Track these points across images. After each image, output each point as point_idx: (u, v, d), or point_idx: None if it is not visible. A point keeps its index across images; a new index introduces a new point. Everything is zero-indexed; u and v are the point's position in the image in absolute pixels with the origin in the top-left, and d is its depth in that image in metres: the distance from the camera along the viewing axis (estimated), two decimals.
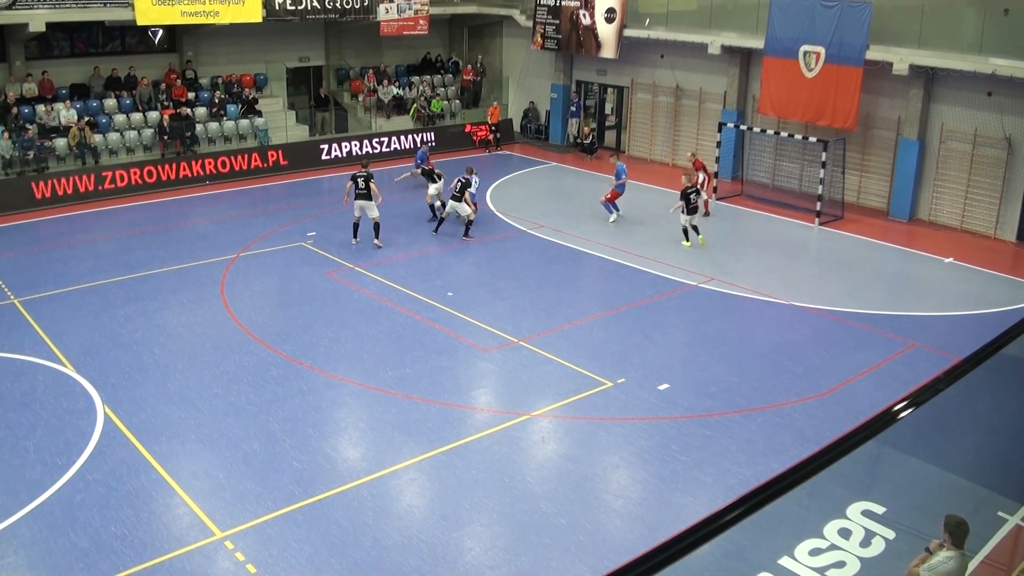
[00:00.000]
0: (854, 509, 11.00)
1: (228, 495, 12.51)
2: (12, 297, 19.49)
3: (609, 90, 35.18)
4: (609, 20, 31.49)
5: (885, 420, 4.82)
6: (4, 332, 17.71)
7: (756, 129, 28.30)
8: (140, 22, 28.46)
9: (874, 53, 24.99)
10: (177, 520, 11.94)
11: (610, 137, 35.50)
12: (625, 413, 14.78)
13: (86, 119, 28.89)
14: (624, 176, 25.16)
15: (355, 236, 23.03)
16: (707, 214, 25.73)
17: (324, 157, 31.96)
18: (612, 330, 18.06)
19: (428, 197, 25.20)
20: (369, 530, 11.75)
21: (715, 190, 27.47)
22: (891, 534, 10.72)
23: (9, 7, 26.71)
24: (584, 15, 32.13)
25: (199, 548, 11.36)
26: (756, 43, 27.87)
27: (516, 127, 37.00)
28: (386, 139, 33.31)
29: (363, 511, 12.14)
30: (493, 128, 34.66)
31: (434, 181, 25.25)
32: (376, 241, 22.70)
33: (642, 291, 20.07)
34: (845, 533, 10.79)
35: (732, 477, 12.93)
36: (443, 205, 24.60)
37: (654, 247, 22.92)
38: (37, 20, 27.26)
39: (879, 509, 10.99)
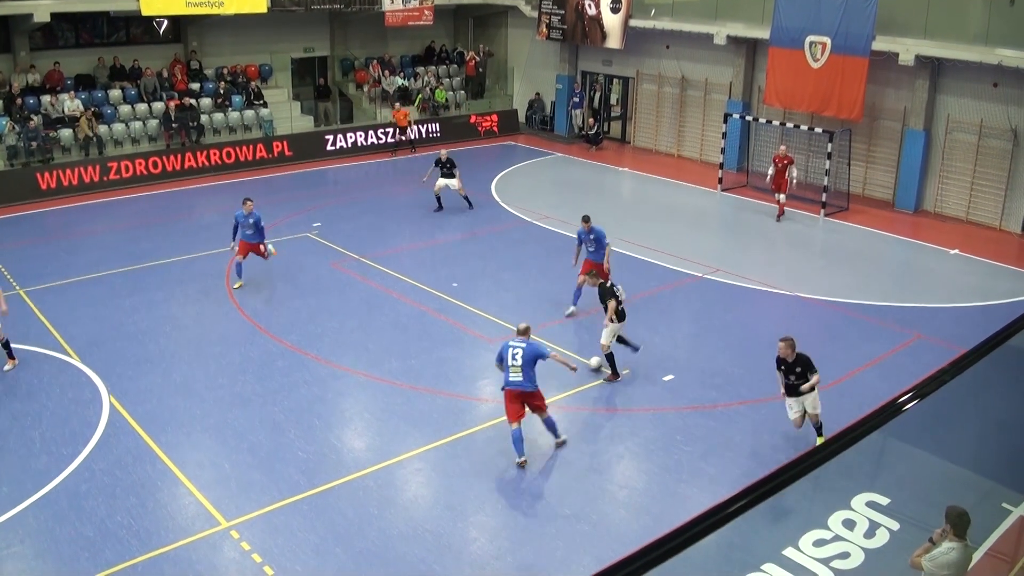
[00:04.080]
0: (859, 500, 11.01)
1: (234, 485, 12.55)
2: (17, 288, 19.52)
3: (614, 81, 35.08)
4: (615, 10, 31.41)
5: (890, 411, 4.81)
6: (10, 322, 17.66)
7: (762, 120, 28.25)
8: (145, 12, 28.45)
9: (880, 44, 24.90)
10: (183, 510, 11.98)
11: (616, 128, 35.44)
12: (630, 404, 14.80)
13: (91, 110, 28.89)
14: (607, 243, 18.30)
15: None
16: (782, 214, 25.10)
17: (329, 148, 31.96)
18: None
19: (437, 188, 25.04)
20: (374, 520, 11.78)
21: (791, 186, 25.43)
22: (895, 525, 10.73)
23: None
24: (590, 5, 32.08)
25: (205, 538, 11.40)
26: (762, 33, 27.79)
27: (521, 118, 36.94)
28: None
29: (368, 501, 12.17)
30: (403, 130, 33.17)
31: (451, 176, 25.00)
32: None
33: (647, 282, 20.05)
34: (849, 524, 10.79)
35: (737, 468, 12.94)
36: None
37: (659, 238, 22.88)
38: (42, 10, 27.25)
39: (883, 500, 10.99)
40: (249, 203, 19.49)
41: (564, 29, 33.25)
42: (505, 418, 13.08)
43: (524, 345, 12.88)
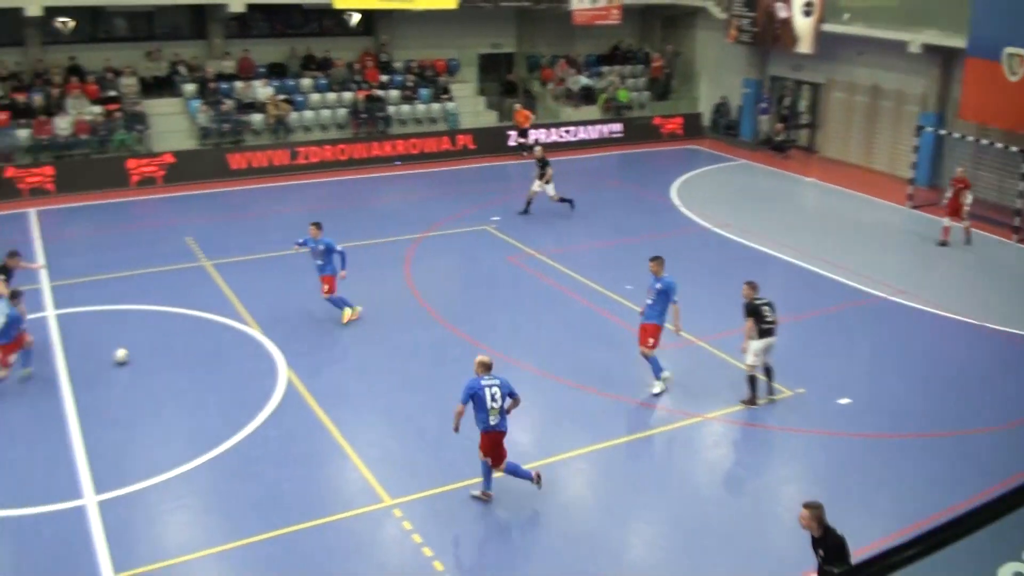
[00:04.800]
0: None
1: (400, 465, 12.72)
2: (203, 259, 20.42)
3: (803, 87, 34.02)
4: (807, 13, 30.44)
5: None
6: (195, 292, 18.56)
7: (955, 135, 26.85)
8: (338, 5, 29.30)
9: None
10: (349, 484, 12.21)
11: (803, 136, 34.28)
12: (802, 425, 14.18)
13: (282, 97, 29.98)
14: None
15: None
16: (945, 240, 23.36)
17: (511, 143, 32.15)
18: (793, 337, 17.27)
19: (531, 192, 24.47)
20: (535, 515, 11.71)
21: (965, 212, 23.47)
22: None
23: None
24: (781, 7, 31.13)
25: (368, 512, 11.59)
26: (959, 42, 26.29)
27: (706, 121, 36.29)
28: (573, 128, 33.25)
29: (529, 496, 12.05)
30: (522, 132, 31.97)
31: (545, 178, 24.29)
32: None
33: (827, 299, 19.29)
34: None
35: (908, 505, 12.08)
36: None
37: (841, 254, 21.95)
38: (237, 1, 28.45)
39: None
40: (315, 228, 17.36)
41: (754, 32, 32.42)
42: (673, 427, 12.77)
43: (499, 382, 11.68)
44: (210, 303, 17.97)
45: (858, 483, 12.68)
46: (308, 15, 32.90)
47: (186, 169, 27.40)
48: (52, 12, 27.59)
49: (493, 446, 11.60)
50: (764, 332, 14.48)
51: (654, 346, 14.70)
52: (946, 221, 22.97)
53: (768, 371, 14.77)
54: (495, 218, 23.96)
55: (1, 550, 10.98)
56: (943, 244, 22.89)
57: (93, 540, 11.03)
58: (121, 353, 15.48)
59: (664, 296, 14.61)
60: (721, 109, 35.87)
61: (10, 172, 25.61)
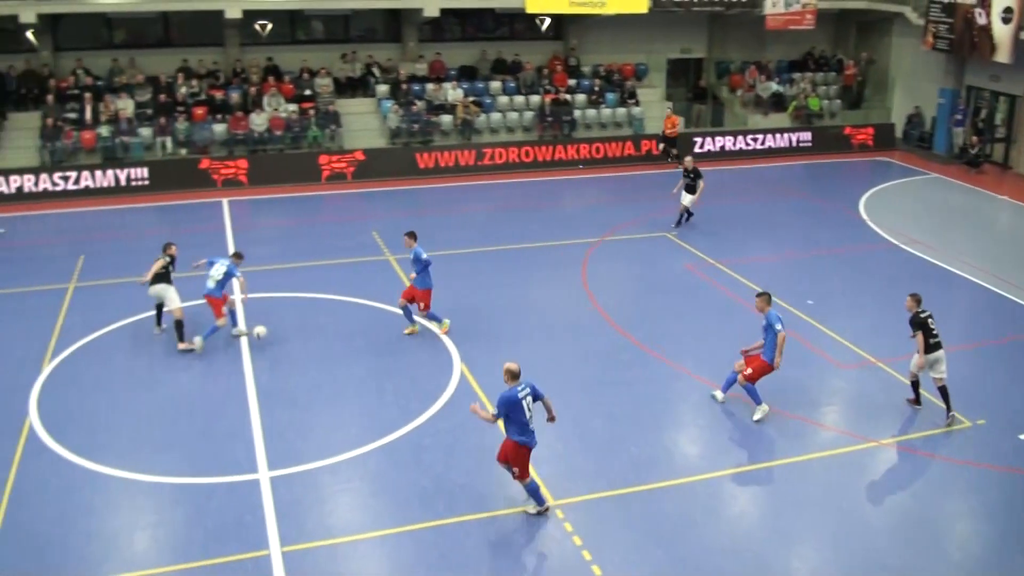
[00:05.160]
0: None
1: (564, 467, 12.75)
2: (388, 254, 21.07)
3: (1000, 98, 32.19)
4: (1006, 20, 28.77)
5: None
6: (379, 285, 19.13)
7: None
8: (529, 10, 29.66)
9: None
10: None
11: (996, 151, 32.38)
12: (980, 458, 13.35)
13: (471, 99, 30.55)
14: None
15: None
16: None
17: (697, 150, 31.71)
18: (976, 365, 16.37)
19: (683, 207, 23.75)
20: (697, 528, 11.52)
21: None
22: None
23: None
24: (980, 14, 29.56)
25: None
26: None
27: (898, 132, 34.86)
28: (760, 136, 32.59)
29: (694, 508, 11.92)
30: (664, 139, 31.08)
31: (692, 191, 23.53)
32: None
33: (1014, 325, 18.16)
34: None
35: None
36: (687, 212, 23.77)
37: None
38: (432, 5, 29.21)
39: None
40: (408, 238, 17.05)
41: (951, 39, 30.89)
42: (845, 450, 12.26)
43: (529, 389, 11.36)
44: (393, 296, 18.44)
45: None
46: (500, 19, 33.46)
47: (375, 166, 28.32)
48: (251, 15, 29.01)
49: (524, 459, 11.41)
50: (933, 347, 14.04)
51: (750, 378, 14.11)
52: None
53: (944, 393, 14.20)
54: (675, 226, 23.69)
55: (179, 515, 11.62)
56: None
57: (264, 513, 11.56)
58: (260, 329, 16.20)
59: (770, 332, 13.95)
60: (914, 120, 34.34)
61: (205, 164, 27.10)
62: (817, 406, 14.88)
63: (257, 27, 30.66)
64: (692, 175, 23.37)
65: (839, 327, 17.67)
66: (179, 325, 16.18)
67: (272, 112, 28.55)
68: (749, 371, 14.01)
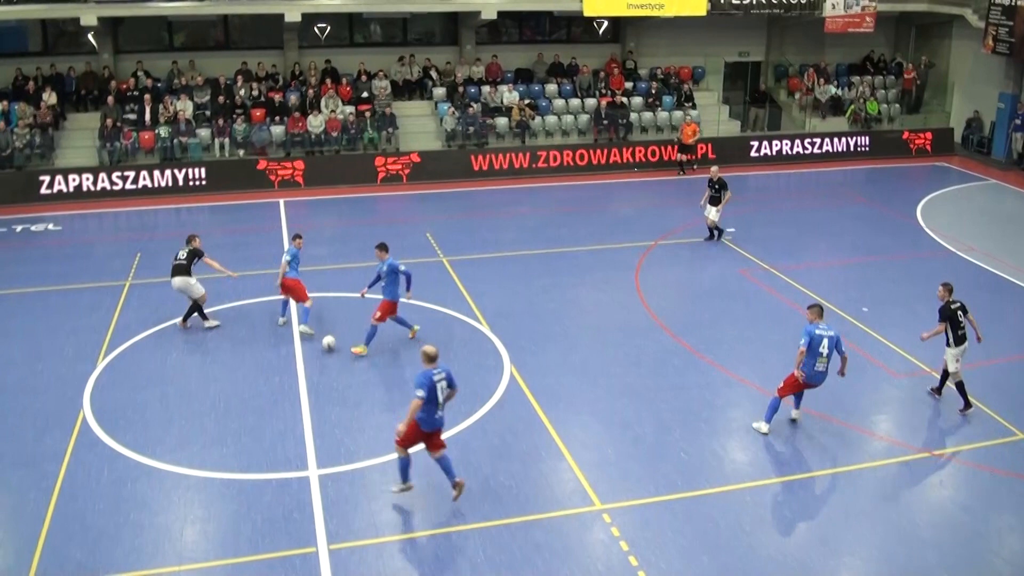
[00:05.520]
0: None
1: (613, 471, 12.70)
2: (441, 256, 21.19)
3: None
4: None
5: None
6: (432, 286, 19.20)
7: None
8: (587, 13, 29.62)
9: None
10: (562, 484, 12.30)
11: None
12: None
13: (527, 101, 30.57)
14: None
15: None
16: None
17: (753, 154, 31.50)
18: None
19: (709, 218, 22.96)
20: (745, 536, 11.41)
21: None
22: None
23: None
24: None
25: (578, 514, 11.66)
26: None
27: (957, 137, 34.25)
28: (818, 140, 32.22)
29: (742, 516, 11.80)
30: (683, 148, 30.19)
31: (716, 203, 22.70)
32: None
33: None
34: None
35: None
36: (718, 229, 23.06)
37: None
38: (489, 8, 29.38)
39: None
40: (379, 250, 16.36)
41: (1012, 43, 30.28)
42: (897, 460, 12.03)
43: (444, 373, 11.49)
44: (445, 297, 18.59)
45: None
46: (557, 22, 33.47)
47: (431, 168, 28.48)
48: (310, 18, 29.31)
49: (413, 436, 11.57)
50: (960, 339, 14.15)
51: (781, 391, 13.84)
52: None
53: (961, 386, 14.29)
54: (730, 229, 23.45)
55: (230, 511, 11.76)
56: None
57: (313, 510, 11.66)
58: (328, 340, 16.27)
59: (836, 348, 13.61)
60: (973, 125, 33.73)
61: (262, 165, 27.41)
62: (869, 415, 14.66)
63: (316, 30, 30.98)
64: (717, 186, 22.54)
65: (893, 335, 17.41)
66: (197, 307, 16.98)
67: (329, 114, 28.80)
68: (780, 385, 13.78)
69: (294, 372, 15.47)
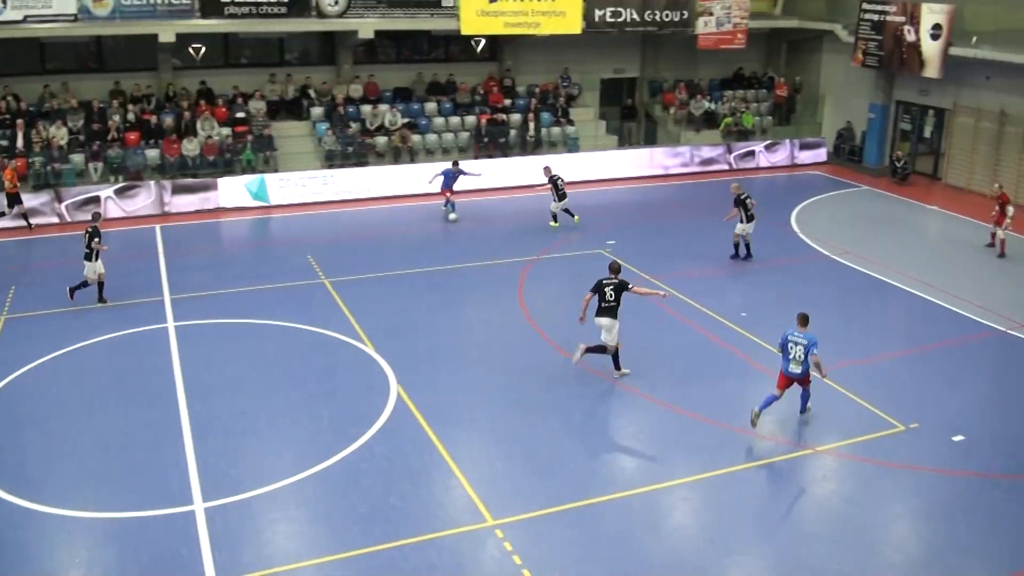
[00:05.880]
0: None
1: (504, 486, 12.75)
2: (323, 278, 20.94)
3: (929, 112, 32.89)
4: (934, 37, 29.52)
5: None
6: (314, 309, 19.03)
7: None
8: (464, 32, 29.68)
9: None
10: (453, 501, 12.30)
11: (926, 163, 33.09)
12: (914, 461, 13.66)
13: (406, 121, 30.56)
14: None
15: None
16: (1003, 255, 23.49)
17: (630, 169, 32.02)
18: (909, 370, 16.81)
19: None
20: (636, 542, 11.58)
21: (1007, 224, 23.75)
22: None
23: (341, 15, 28.78)
24: (909, 31, 30.29)
25: (470, 531, 11.66)
26: None
27: (829, 147, 35.51)
28: (693, 152, 32.99)
29: (633, 522, 11.98)
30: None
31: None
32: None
33: (946, 331, 18.60)
34: None
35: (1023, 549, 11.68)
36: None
37: (962, 284, 21.13)
38: (366, 28, 29.30)
39: None
40: None
41: (881, 56, 31.60)
42: (782, 458, 12.41)
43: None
44: (328, 320, 18.39)
45: (968, 523, 12.22)
46: (434, 41, 33.53)
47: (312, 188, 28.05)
48: (185, 39, 28.78)
49: None
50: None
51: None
52: (992, 228, 23.99)
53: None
54: (610, 242, 23.85)
55: (116, 552, 11.38)
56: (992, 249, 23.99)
57: (200, 545, 11.36)
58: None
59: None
60: (845, 135, 35.06)
61: None
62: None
63: (191, 51, 30.40)
64: (746, 200, 22.67)
65: (772, 338, 17.86)
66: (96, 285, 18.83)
67: (205, 137, 28.27)
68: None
69: (175, 403, 15.06)
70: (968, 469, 13.45)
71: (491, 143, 31.18)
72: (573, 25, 30.37)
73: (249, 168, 28.38)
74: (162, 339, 17.35)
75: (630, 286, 16.32)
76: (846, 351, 17.28)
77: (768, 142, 34.30)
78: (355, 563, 11.06)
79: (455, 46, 33.58)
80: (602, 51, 34.36)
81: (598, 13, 30.90)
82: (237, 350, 16.91)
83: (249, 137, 28.81)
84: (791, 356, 14.20)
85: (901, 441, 14.21)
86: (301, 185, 27.87)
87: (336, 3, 28.70)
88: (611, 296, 16.03)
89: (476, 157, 30.73)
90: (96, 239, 18.73)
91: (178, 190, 26.88)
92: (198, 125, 28.49)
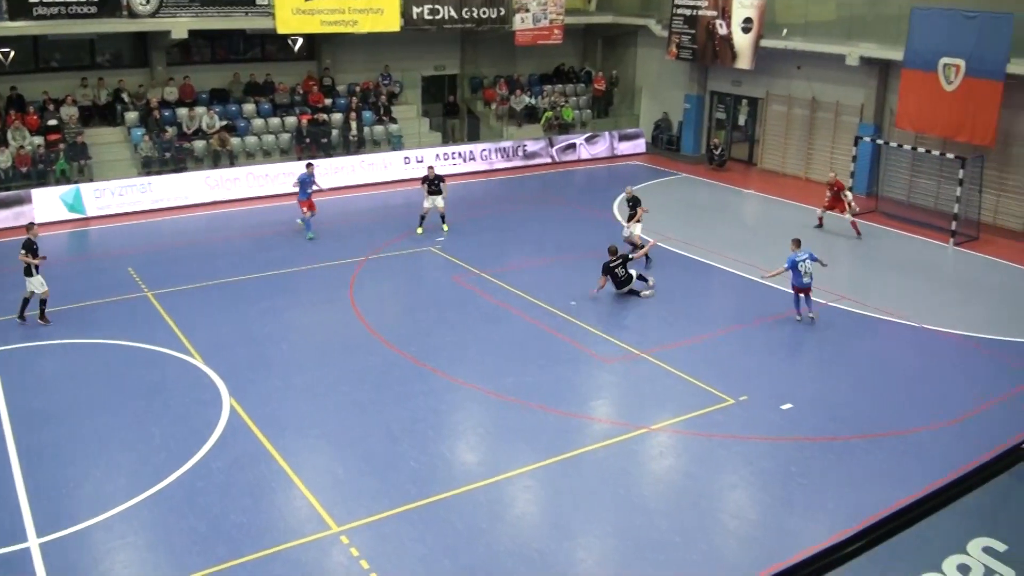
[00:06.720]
0: (975, 545, 10.44)
1: (346, 490, 12.74)
2: (146, 290, 20.28)
3: (743, 101, 34.46)
4: (746, 30, 30.96)
5: (1018, 453, 4.55)
6: (137, 323, 18.42)
7: (893, 144, 27.46)
8: (280, 31, 29.26)
9: (1016, 66, 23.88)
10: (295, 512, 12.21)
11: (742, 150, 34.75)
12: (746, 432, 14.46)
13: (224, 123, 29.90)
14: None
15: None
16: (859, 235, 25.01)
17: (455, 164, 32.26)
18: (737, 346, 17.73)
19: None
20: (483, 535, 11.79)
21: (851, 208, 25.45)
22: (1012, 573, 10.18)
23: (153, 15, 27.89)
24: (721, 25, 31.64)
25: (315, 541, 11.59)
26: (895, 55, 26.92)
27: (648, 138, 36.69)
28: (515, 147, 33.52)
29: (478, 515, 12.19)
30: None
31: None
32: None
33: (771, 307, 19.62)
34: (964, 569, 10.24)
35: (854, 504, 12.44)
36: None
37: (783, 262, 22.24)
38: (180, 28, 28.40)
39: (1001, 547, 10.43)
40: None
41: (694, 49, 32.86)
42: (618, 440, 12.85)
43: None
44: (153, 334, 17.84)
45: (803, 486, 13.02)
46: (250, 41, 32.85)
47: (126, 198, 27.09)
48: None
49: None
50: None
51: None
52: (819, 211, 25.99)
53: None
54: (439, 239, 24.05)
55: None
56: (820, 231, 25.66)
57: None
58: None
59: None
60: (662, 125, 36.30)
61: None
62: (588, 401, 15.62)
63: None
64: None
65: (602, 325, 18.53)
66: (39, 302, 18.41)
67: (17, 148, 26.88)
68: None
69: (1, 435, 14.33)
70: (798, 435, 14.36)
71: (313, 144, 30.82)
72: (391, 23, 30.37)
73: (64, 178, 27.17)
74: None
75: (631, 256, 20.25)
76: (674, 333, 18.02)
77: (588, 135, 35.21)
78: None
79: (272, 45, 33.00)
80: (422, 48, 34.45)
81: (416, 10, 30.99)
82: (60, 372, 16.25)
83: (62, 145, 27.52)
84: (802, 271, 18.22)
85: (732, 414, 14.98)
86: (118, 194, 26.81)
87: (148, 2, 27.69)
88: (622, 273, 19.67)
89: (299, 158, 30.23)
90: (23, 252, 18.31)
91: None
92: (8, 135, 27.08)
